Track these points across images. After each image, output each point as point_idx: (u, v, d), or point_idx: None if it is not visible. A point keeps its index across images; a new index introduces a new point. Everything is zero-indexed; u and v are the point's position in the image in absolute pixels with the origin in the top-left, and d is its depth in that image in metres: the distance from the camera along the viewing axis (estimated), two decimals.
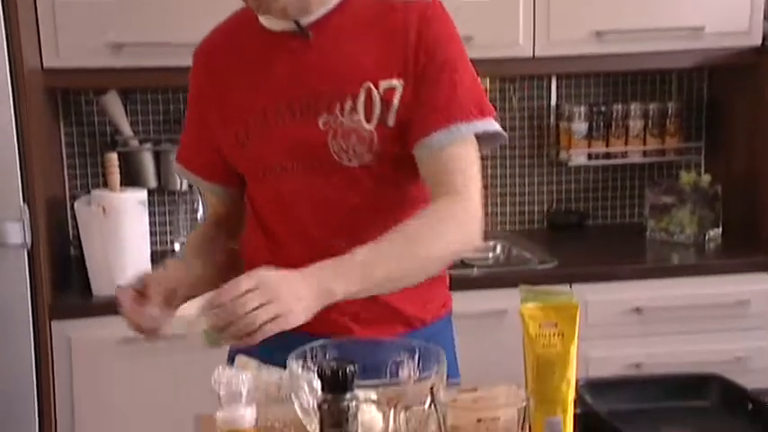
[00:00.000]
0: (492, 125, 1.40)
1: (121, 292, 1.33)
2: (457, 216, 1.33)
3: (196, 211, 2.72)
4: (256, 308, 1.14)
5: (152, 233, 2.51)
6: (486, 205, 3.00)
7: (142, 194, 2.40)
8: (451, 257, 1.36)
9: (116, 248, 2.35)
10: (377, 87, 1.36)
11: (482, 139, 1.41)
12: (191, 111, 1.53)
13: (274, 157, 1.40)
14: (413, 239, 1.30)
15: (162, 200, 2.88)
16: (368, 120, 1.36)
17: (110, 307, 2.32)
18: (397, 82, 1.36)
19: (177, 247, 2.72)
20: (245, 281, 1.16)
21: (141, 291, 1.33)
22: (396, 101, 1.36)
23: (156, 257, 2.56)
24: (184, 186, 2.72)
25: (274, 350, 1.22)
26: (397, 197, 1.42)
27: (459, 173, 1.36)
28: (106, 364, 2.33)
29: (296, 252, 1.42)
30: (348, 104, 1.36)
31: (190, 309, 1.18)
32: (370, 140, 1.35)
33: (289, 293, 1.17)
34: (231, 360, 1.50)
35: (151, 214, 2.56)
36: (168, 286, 1.35)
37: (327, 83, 1.37)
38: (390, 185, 1.40)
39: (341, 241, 1.32)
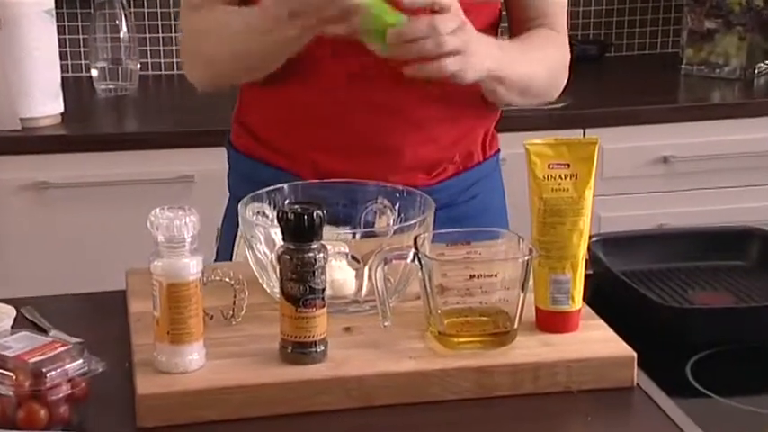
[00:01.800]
0: None
1: None
2: (564, 62, 1.56)
3: (117, 28, 2.68)
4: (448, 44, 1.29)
5: (61, 56, 2.48)
6: None
7: (48, 1, 2.35)
8: (538, 99, 1.58)
9: (17, 71, 2.32)
10: None
11: None
12: None
13: None
14: (544, 55, 1.52)
15: (73, 13, 2.83)
16: None
17: (12, 143, 2.36)
18: None
19: (94, 73, 2.70)
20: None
21: None
22: None
23: (68, 86, 2.54)
24: None
25: None
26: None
27: (563, 13, 1.57)
28: (10, 213, 2.35)
29: (338, 67, 1.44)
30: None
31: None
32: None
33: (478, 50, 1.35)
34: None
35: (59, 29, 2.52)
36: None
37: None
38: None
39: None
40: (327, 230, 1.16)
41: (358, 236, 1.28)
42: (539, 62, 1.51)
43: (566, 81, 1.58)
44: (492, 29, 1.51)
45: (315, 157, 1.49)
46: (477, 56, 1.35)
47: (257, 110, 1.55)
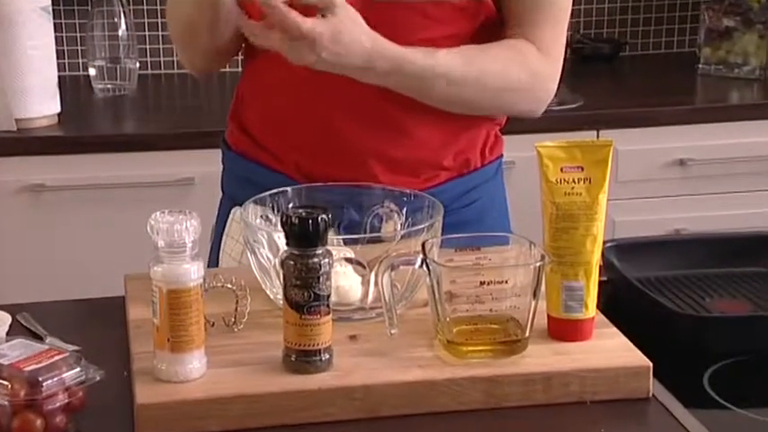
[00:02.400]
0: None
1: None
2: (535, 76, 1.49)
3: (116, 26, 2.69)
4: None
5: (58, 54, 2.48)
6: None
7: None
8: (503, 113, 1.57)
9: (12, 70, 2.33)
10: None
11: None
12: None
13: None
14: (484, 73, 1.45)
15: (70, 10, 2.84)
16: None
17: (7, 145, 2.37)
18: None
19: (92, 72, 2.71)
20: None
21: None
22: None
23: (65, 85, 2.55)
24: None
25: None
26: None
27: (552, 24, 1.49)
28: (5, 216, 2.36)
29: None
30: None
31: None
32: None
33: (346, 45, 1.34)
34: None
35: (57, 27, 2.53)
36: None
37: None
38: None
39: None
40: (331, 236, 1.16)
41: (364, 241, 1.28)
42: (462, 76, 1.43)
43: (535, 99, 1.52)
44: (476, 33, 1.48)
45: (298, 159, 1.50)
46: (331, 52, 1.33)
47: (250, 107, 1.56)
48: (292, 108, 1.49)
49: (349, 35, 1.33)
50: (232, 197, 1.57)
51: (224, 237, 1.55)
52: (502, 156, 1.63)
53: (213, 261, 1.57)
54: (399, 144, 1.48)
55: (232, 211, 1.54)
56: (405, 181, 1.46)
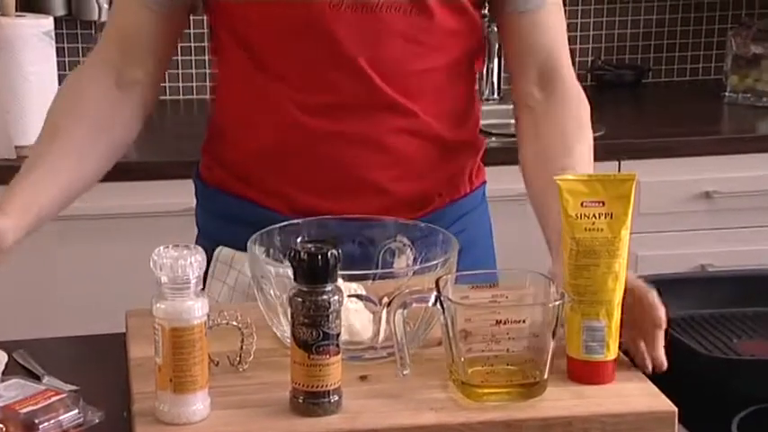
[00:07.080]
0: None
1: None
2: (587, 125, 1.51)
3: None
4: None
5: (60, 80, 2.49)
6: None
7: (47, 23, 2.38)
8: None
9: (12, 95, 2.35)
10: None
11: None
12: None
13: None
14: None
15: (73, 34, 2.86)
16: None
17: (6, 173, 2.36)
18: None
19: None
20: None
21: None
22: None
23: None
24: (104, 16, 2.69)
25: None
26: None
27: (563, 45, 1.51)
28: None
29: (309, 97, 1.45)
30: None
31: None
32: None
33: None
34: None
35: (59, 52, 2.55)
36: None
37: None
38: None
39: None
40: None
41: (375, 277, 1.28)
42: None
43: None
44: (466, 57, 1.51)
45: (289, 193, 1.49)
46: None
47: (230, 141, 1.55)
48: (280, 142, 1.48)
49: None
50: (212, 236, 1.54)
51: (209, 279, 1.52)
52: (485, 183, 1.64)
53: None
54: (395, 175, 1.48)
55: (216, 250, 1.51)
56: (402, 215, 1.44)
